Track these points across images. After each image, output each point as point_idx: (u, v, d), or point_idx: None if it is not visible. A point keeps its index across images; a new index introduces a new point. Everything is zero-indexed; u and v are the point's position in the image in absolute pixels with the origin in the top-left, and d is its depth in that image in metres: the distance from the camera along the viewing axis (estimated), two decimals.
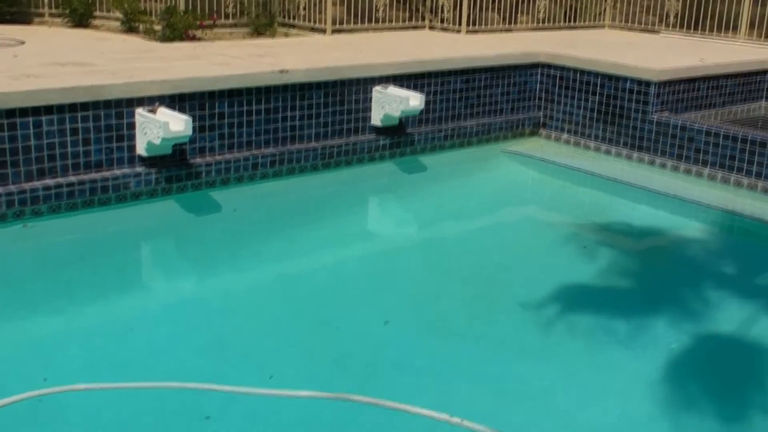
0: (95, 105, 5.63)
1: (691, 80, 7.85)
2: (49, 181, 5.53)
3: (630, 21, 11.48)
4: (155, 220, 5.92)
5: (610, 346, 4.42)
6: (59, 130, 5.53)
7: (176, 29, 8.14)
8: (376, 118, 7.09)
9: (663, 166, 7.49)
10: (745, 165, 6.97)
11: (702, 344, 4.51)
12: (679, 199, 6.87)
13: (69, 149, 5.59)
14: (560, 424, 3.69)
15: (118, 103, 5.72)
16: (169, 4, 8.89)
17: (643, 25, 11.30)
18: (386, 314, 4.61)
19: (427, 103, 7.33)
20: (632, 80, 7.61)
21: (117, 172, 5.80)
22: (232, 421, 3.59)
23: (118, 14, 8.96)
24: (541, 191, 7.52)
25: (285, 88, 6.51)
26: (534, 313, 4.71)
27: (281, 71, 6.46)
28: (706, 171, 7.22)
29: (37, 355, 4.07)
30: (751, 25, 10.24)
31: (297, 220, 6.11)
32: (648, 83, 7.52)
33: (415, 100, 6.95)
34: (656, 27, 11.14)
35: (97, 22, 9.25)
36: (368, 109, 7.08)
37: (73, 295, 4.76)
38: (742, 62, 8.43)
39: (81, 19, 9.00)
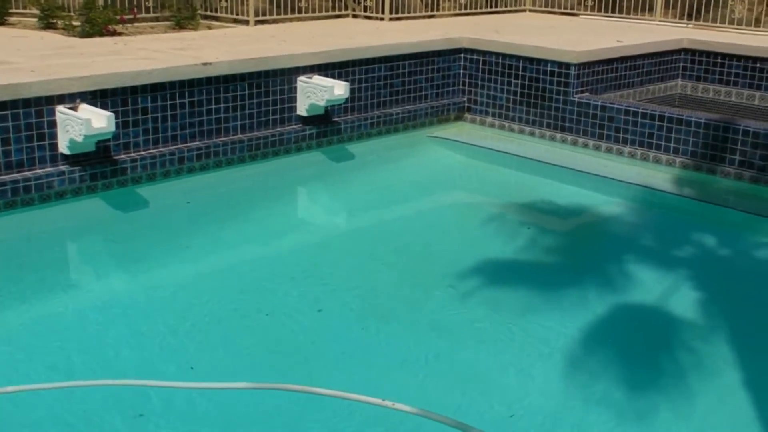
0: (14, 104, 5.53)
1: (610, 61, 8.04)
2: None
3: (550, 5, 11.68)
4: (81, 219, 5.85)
5: (536, 322, 4.54)
6: None
7: (96, 24, 8.00)
8: (302, 108, 7.09)
9: (585, 145, 7.66)
10: (663, 142, 7.18)
11: (624, 313, 4.68)
12: (601, 177, 7.05)
13: None
14: (491, 401, 3.79)
15: (38, 101, 5.63)
16: None
17: (563, 8, 11.50)
18: (319, 302, 4.66)
19: (353, 91, 7.37)
20: (553, 63, 7.76)
21: (39, 171, 5.71)
22: (168, 417, 3.58)
23: (35, 11, 8.78)
24: (467, 174, 7.63)
25: (209, 80, 6.48)
26: (463, 293, 4.81)
27: (204, 64, 6.42)
28: (626, 149, 7.41)
29: None
30: (666, 5, 10.51)
31: (226, 213, 6.09)
32: (568, 65, 7.67)
33: (339, 89, 6.99)
34: (575, 10, 11.35)
35: (13, 19, 9.04)
36: (293, 99, 7.08)
37: None
38: (657, 42, 8.65)
39: None
